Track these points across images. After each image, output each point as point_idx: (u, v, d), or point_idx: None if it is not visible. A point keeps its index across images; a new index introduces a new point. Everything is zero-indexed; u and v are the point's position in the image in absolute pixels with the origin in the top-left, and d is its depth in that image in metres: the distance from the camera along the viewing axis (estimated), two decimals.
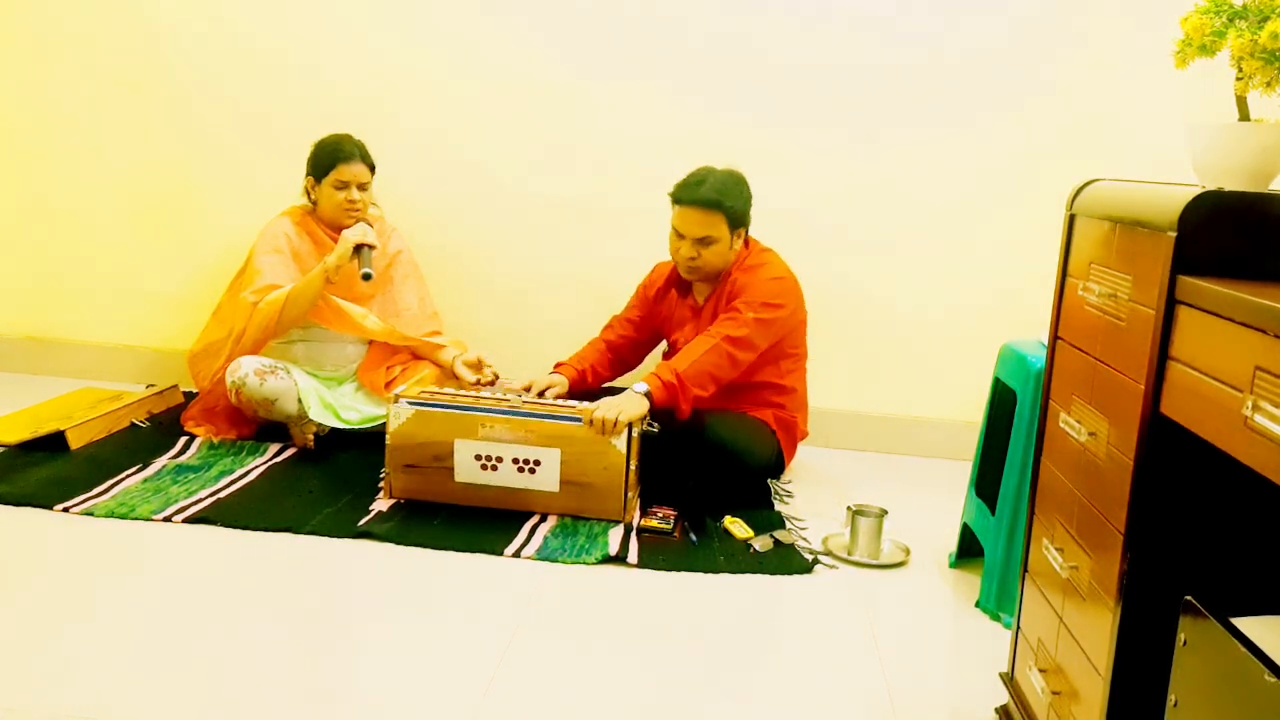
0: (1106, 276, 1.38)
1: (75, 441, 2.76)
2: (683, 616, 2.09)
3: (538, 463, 2.47)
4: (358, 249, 2.80)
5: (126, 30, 3.29)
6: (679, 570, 2.28)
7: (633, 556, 2.32)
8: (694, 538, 2.44)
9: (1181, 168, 1.45)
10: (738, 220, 2.73)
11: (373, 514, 2.45)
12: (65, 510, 2.37)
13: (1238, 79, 1.33)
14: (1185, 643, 1.10)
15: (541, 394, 2.70)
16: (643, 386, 2.54)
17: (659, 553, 2.35)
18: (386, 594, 2.11)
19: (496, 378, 2.87)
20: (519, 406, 2.49)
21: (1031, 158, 3.07)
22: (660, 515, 2.51)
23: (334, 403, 2.90)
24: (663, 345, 3.01)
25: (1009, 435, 2.17)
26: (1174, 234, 1.17)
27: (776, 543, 2.43)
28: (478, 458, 2.48)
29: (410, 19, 3.20)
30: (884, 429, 3.26)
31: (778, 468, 2.86)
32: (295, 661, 1.83)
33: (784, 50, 3.10)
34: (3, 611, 1.92)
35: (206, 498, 2.48)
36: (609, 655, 1.92)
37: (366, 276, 2.76)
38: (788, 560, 2.36)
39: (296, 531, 2.34)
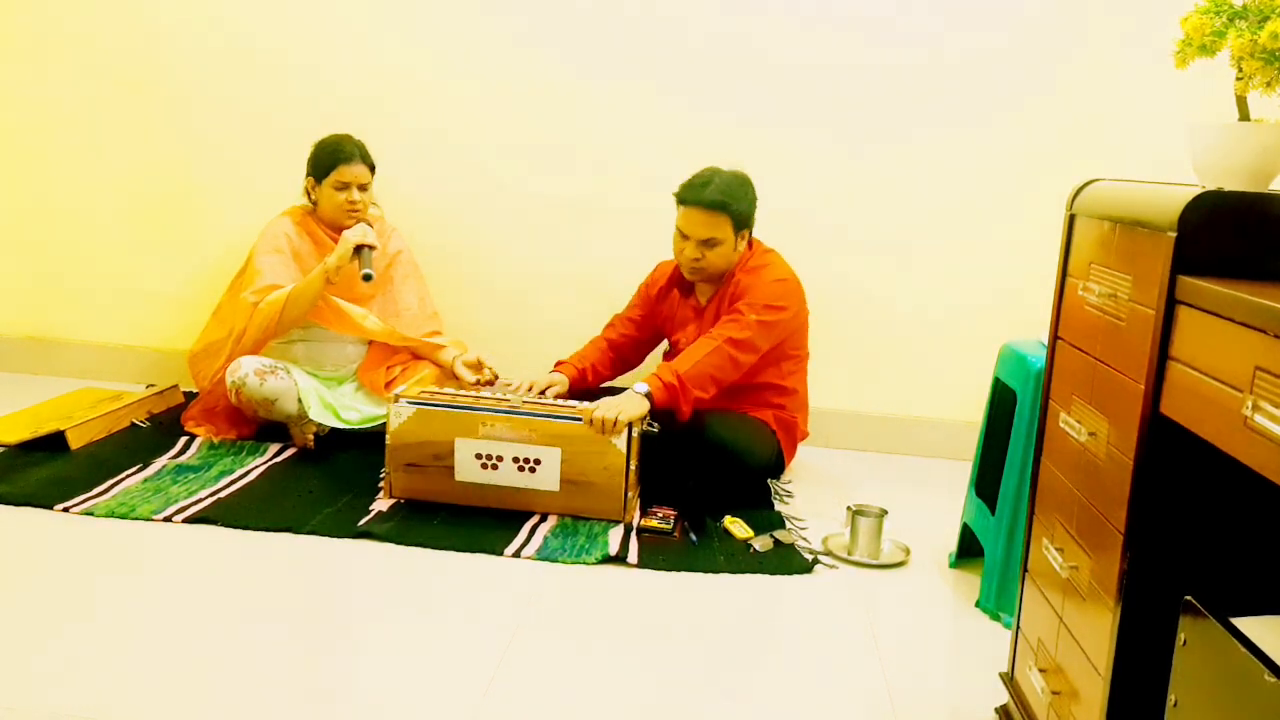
0: (1106, 276, 1.38)
1: (75, 441, 2.76)
2: (683, 616, 2.09)
3: (538, 462, 2.47)
4: (358, 250, 2.80)
5: (126, 30, 3.29)
6: (679, 570, 2.28)
7: (633, 556, 2.32)
8: (694, 538, 2.44)
9: (1181, 168, 1.45)
10: (742, 222, 2.73)
11: (373, 514, 2.45)
12: (65, 510, 2.37)
13: (1238, 79, 1.33)
14: (1185, 643, 1.10)
15: (542, 393, 2.70)
16: (643, 387, 2.54)
17: (659, 553, 2.35)
18: (386, 594, 2.11)
19: (496, 377, 2.87)
20: (519, 406, 2.50)
21: (1031, 158, 3.07)
22: (660, 515, 2.51)
23: (334, 403, 2.90)
24: (664, 344, 3.01)
25: (1009, 435, 2.17)
26: (1174, 234, 1.17)
27: (776, 543, 2.43)
28: (478, 457, 2.48)
29: (410, 19, 3.20)
30: (884, 429, 3.26)
31: (778, 468, 2.86)
32: (295, 661, 1.83)
33: (784, 50, 3.10)
34: (3, 611, 1.92)
35: (206, 498, 2.48)
36: (609, 655, 1.92)
37: (367, 277, 2.76)
38: (788, 560, 2.36)
39: (296, 531, 2.34)
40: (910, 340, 3.21)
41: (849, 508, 2.43)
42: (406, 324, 3.00)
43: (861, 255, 3.18)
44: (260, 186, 3.27)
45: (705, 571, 2.28)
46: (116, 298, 3.45)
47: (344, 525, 2.37)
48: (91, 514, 2.36)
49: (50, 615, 1.92)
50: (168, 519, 2.36)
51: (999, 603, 2.14)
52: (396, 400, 2.50)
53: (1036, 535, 1.62)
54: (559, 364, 2.89)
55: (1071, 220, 1.54)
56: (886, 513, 2.43)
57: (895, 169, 3.13)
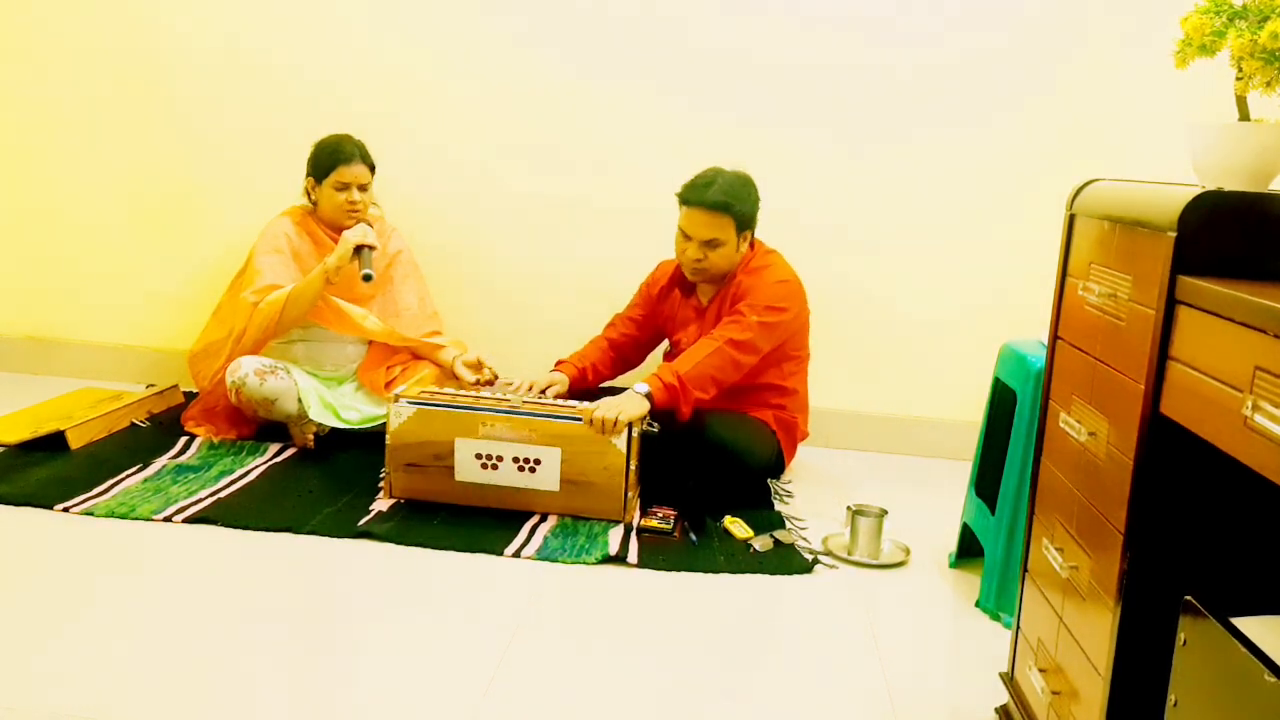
0: (1106, 276, 1.38)
1: (75, 441, 2.76)
2: (683, 616, 2.09)
3: (538, 462, 2.47)
4: (358, 250, 2.80)
5: (126, 31, 3.29)
6: (679, 570, 2.28)
7: (633, 556, 2.32)
8: (694, 538, 2.44)
9: (1181, 168, 1.45)
10: (745, 223, 2.73)
11: (373, 514, 2.45)
12: (65, 510, 2.37)
13: (1238, 79, 1.33)
14: (1185, 643, 1.10)
15: (542, 392, 2.70)
16: (644, 387, 2.54)
17: (659, 553, 2.35)
18: (386, 594, 2.11)
19: (496, 377, 2.87)
20: (519, 406, 2.50)
21: (1032, 158, 3.07)
22: (660, 515, 2.51)
23: (334, 402, 2.90)
24: (664, 344, 3.01)
25: (1009, 435, 2.17)
26: (1174, 234, 1.17)
27: (776, 543, 2.43)
28: (478, 456, 2.48)
29: (410, 19, 3.20)
30: (884, 429, 3.26)
31: (778, 468, 2.86)
32: (295, 661, 1.83)
33: (784, 50, 3.09)
34: (3, 611, 1.92)
35: (207, 498, 2.48)
36: (609, 655, 1.92)
37: (367, 278, 2.76)
38: (788, 560, 2.36)
39: (296, 531, 2.34)
40: (910, 340, 3.21)
41: (849, 508, 2.43)
42: (406, 324, 3.00)
43: (861, 255, 3.18)
44: (260, 186, 3.27)
45: (705, 571, 2.28)
46: (116, 298, 3.45)
47: (344, 525, 2.37)
48: (91, 514, 2.36)
49: (50, 615, 1.92)
50: (168, 519, 2.36)
51: (999, 603, 2.14)
52: (396, 400, 2.51)
53: (1036, 535, 1.62)
54: (559, 363, 2.89)
55: (1071, 220, 1.54)
56: (886, 513, 2.43)
57: (895, 169, 3.13)
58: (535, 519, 2.48)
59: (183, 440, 2.86)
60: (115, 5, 3.28)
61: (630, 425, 2.44)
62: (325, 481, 2.64)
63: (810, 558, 2.37)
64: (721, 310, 2.77)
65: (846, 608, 2.17)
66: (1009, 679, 1.70)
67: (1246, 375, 0.99)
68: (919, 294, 3.19)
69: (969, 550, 2.38)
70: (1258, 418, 0.95)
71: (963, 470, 2.63)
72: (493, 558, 2.29)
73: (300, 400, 2.80)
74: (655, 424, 2.56)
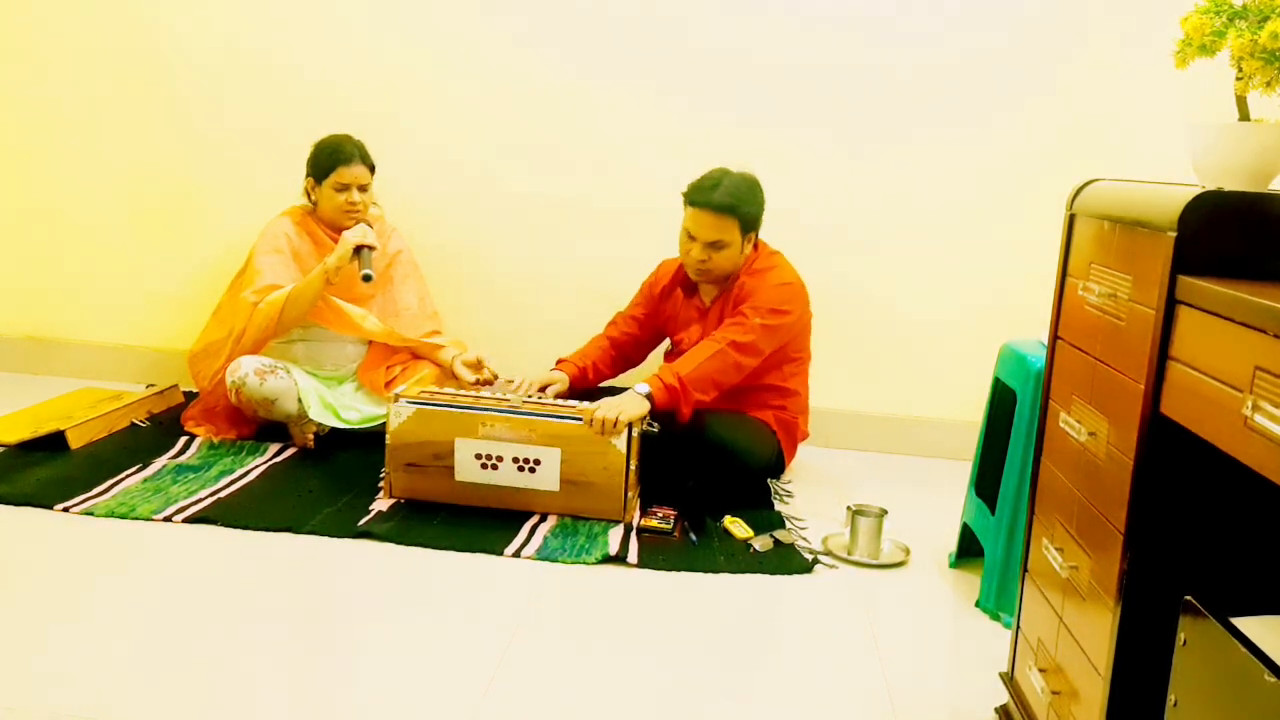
0: (1106, 276, 1.38)
1: (75, 441, 2.76)
2: (683, 616, 2.09)
3: (538, 462, 2.47)
4: (358, 250, 2.80)
5: (126, 31, 3.29)
6: (679, 570, 2.28)
7: (633, 556, 2.32)
8: (694, 538, 2.44)
9: (1181, 168, 1.45)
10: (750, 225, 2.72)
11: (373, 514, 2.45)
12: (65, 510, 2.37)
13: (1238, 79, 1.33)
14: (1185, 643, 1.10)
15: (542, 390, 2.70)
16: (644, 388, 2.54)
17: (659, 553, 2.35)
18: (386, 594, 2.11)
19: (496, 377, 2.87)
20: (519, 405, 2.50)
21: (1032, 158, 3.07)
22: (660, 515, 2.51)
23: (334, 402, 2.90)
24: (665, 343, 3.01)
25: (1009, 435, 2.17)
26: (1174, 234, 1.17)
27: (776, 542, 2.43)
28: (478, 457, 2.48)
29: (410, 19, 3.20)
30: (884, 429, 3.26)
31: (778, 468, 2.86)
32: (295, 661, 1.83)
33: (784, 50, 3.09)
34: (3, 611, 1.92)
35: (206, 497, 2.48)
36: (609, 655, 1.92)
37: (367, 278, 2.76)
38: (788, 560, 2.36)
39: (296, 531, 2.34)
40: (910, 340, 3.21)
41: (849, 508, 2.43)
42: (406, 324, 3.00)
43: (861, 255, 3.18)
44: (260, 186, 3.27)
45: (705, 571, 2.28)
46: (116, 298, 3.45)
47: (344, 525, 2.37)
48: (91, 514, 2.36)
49: (50, 615, 1.92)
50: (168, 519, 2.36)
51: (999, 603, 2.14)
52: (396, 400, 2.51)
53: (1036, 535, 1.62)
54: (560, 362, 2.89)
55: (1071, 220, 1.54)
56: (886, 513, 2.43)
57: (895, 169, 3.13)
58: (535, 519, 2.48)
59: (183, 440, 2.86)
60: (115, 5, 3.28)
61: (630, 425, 2.44)
62: (325, 481, 2.64)
63: (810, 558, 2.37)
64: (724, 311, 2.77)
65: (846, 608, 2.17)
66: (1009, 679, 1.70)
67: (1246, 375, 0.99)
68: (919, 294, 3.19)
69: (969, 550, 2.38)
70: (1258, 418, 0.95)
71: (963, 470, 2.63)
72: (493, 558, 2.29)
73: (300, 400, 2.80)
74: (655, 424, 2.56)
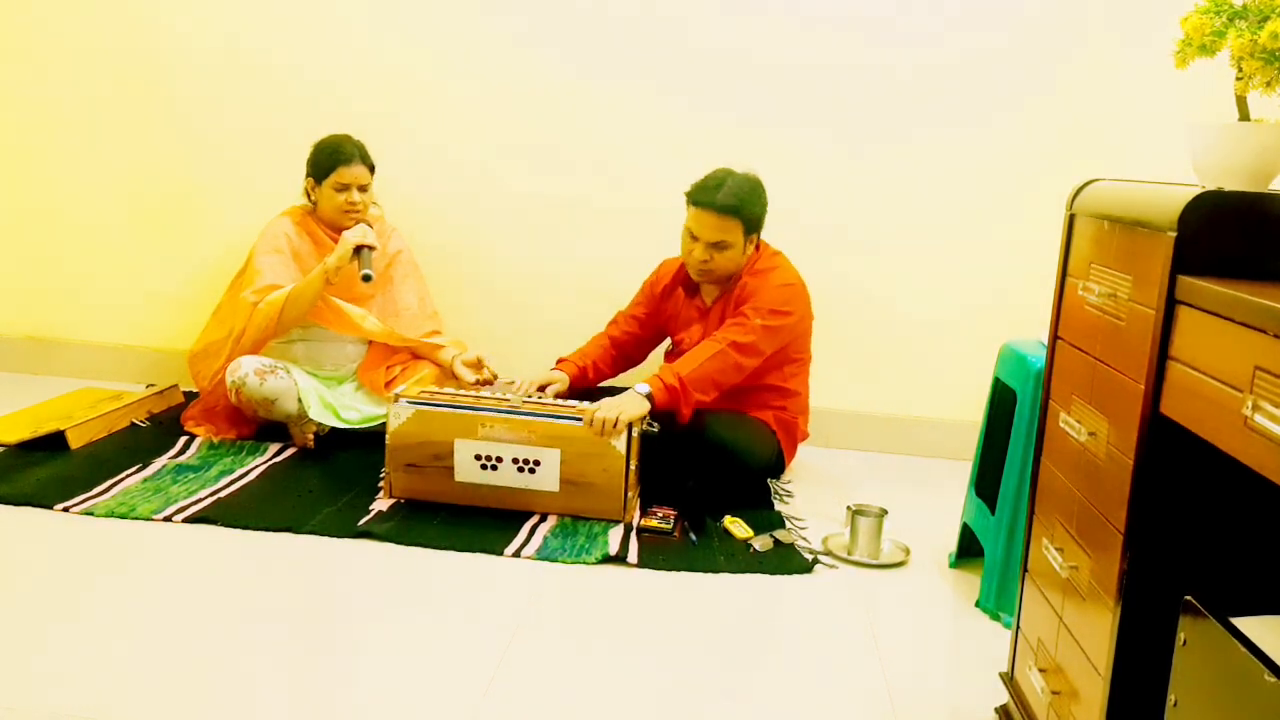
0: (1106, 276, 1.38)
1: (75, 441, 2.76)
2: (683, 616, 2.09)
3: (537, 463, 2.47)
4: (357, 250, 2.80)
5: (126, 31, 3.29)
6: (679, 570, 2.28)
7: (633, 556, 2.32)
8: (694, 538, 2.44)
9: (1181, 168, 1.45)
10: (753, 226, 2.72)
11: (373, 514, 2.45)
12: (65, 510, 2.37)
13: (1238, 79, 1.33)
14: (1185, 643, 1.10)
15: (541, 390, 2.70)
16: (644, 387, 2.54)
17: (659, 552, 2.35)
18: (386, 594, 2.11)
19: (496, 376, 2.87)
20: (519, 406, 2.49)
21: (1032, 158, 3.07)
22: (660, 515, 2.51)
23: (334, 402, 2.90)
24: (666, 342, 3.01)
25: (1009, 435, 2.17)
26: (1174, 234, 1.17)
27: (776, 542, 2.43)
28: (477, 457, 2.48)
29: (410, 19, 3.20)
30: (884, 429, 3.26)
31: (778, 468, 2.86)
32: (295, 661, 1.83)
33: (784, 50, 3.09)
34: (3, 611, 1.92)
35: (206, 497, 2.48)
36: (609, 655, 1.92)
37: (366, 278, 2.76)
38: (788, 560, 2.36)
39: (296, 531, 2.34)
40: (910, 340, 3.21)
41: (849, 508, 2.43)
42: (406, 324, 3.00)
43: (861, 255, 3.18)
44: (260, 186, 3.27)
45: (705, 571, 2.28)
46: (116, 298, 3.45)
47: (344, 525, 2.37)
48: (91, 514, 2.36)
49: (50, 615, 1.92)
50: (168, 519, 2.36)
51: (999, 603, 2.14)
52: (396, 400, 2.50)
53: (1036, 535, 1.62)
54: (560, 361, 2.89)
55: (1071, 220, 1.54)
56: (886, 513, 2.43)
57: (895, 169, 3.13)
58: (535, 519, 2.48)
59: (183, 440, 2.86)
60: (115, 5, 3.28)
61: (630, 425, 2.44)
62: (325, 481, 2.64)
63: (810, 557, 2.37)
64: (725, 312, 2.76)
65: (846, 608, 2.17)
66: (1009, 679, 1.70)
67: (1246, 375, 0.99)
68: (919, 294, 3.19)
69: (969, 550, 2.38)
70: (1258, 418, 0.95)
71: (963, 470, 2.63)
72: (493, 558, 2.29)
73: (300, 400, 2.80)
74: (655, 424, 2.56)
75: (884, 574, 2.35)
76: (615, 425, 2.42)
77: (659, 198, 2.99)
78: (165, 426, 2.98)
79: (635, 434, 2.47)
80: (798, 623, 2.12)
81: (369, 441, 2.81)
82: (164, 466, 2.67)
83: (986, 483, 2.28)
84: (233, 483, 2.59)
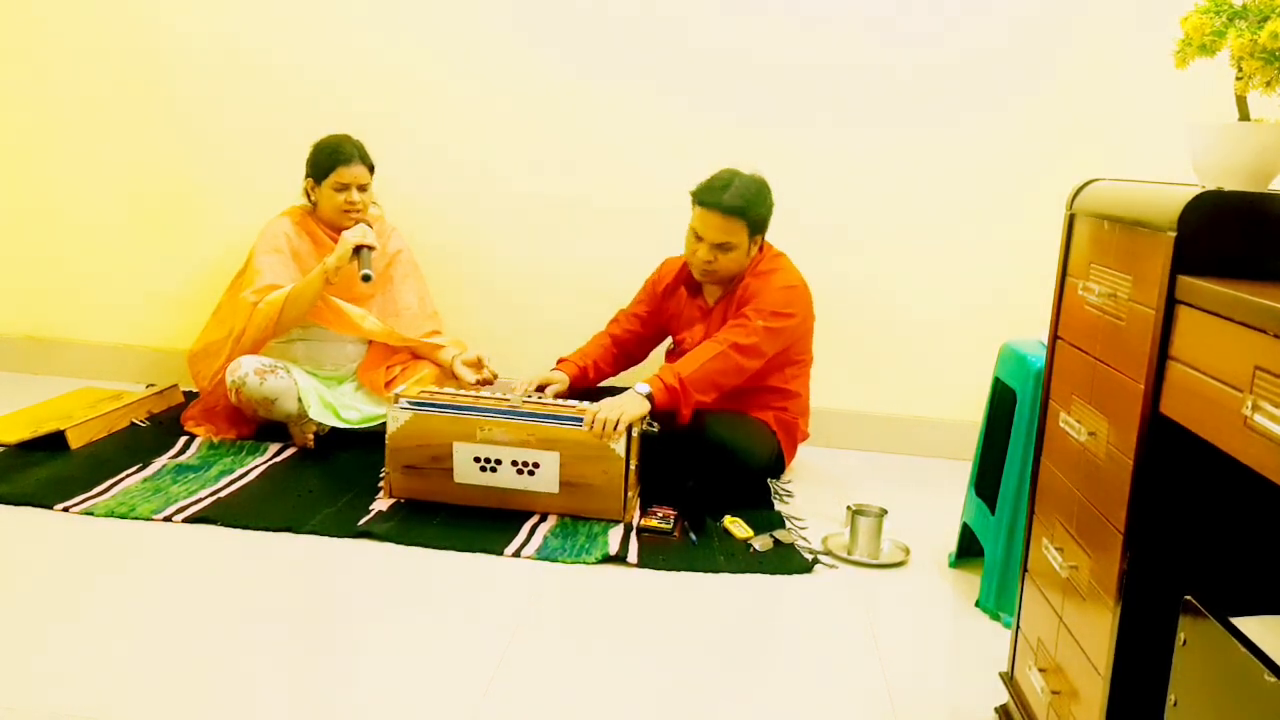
0: (1106, 276, 1.38)
1: (75, 441, 2.76)
2: (683, 616, 2.09)
3: (537, 465, 2.47)
4: (357, 250, 2.80)
5: (126, 31, 3.29)
6: (679, 570, 2.28)
7: (633, 556, 2.32)
8: (694, 537, 2.44)
9: (1181, 168, 1.45)
10: (758, 228, 2.72)
11: (373, 514, 2.45)
12: (65, 510, 2.37)
13: (1238, 79, 1.33)
14: (1185, 643, 1.10)
15: (541, 389, 2.70)
16: (645, 388, 2.54)
17: (659, 552, 2.35)
18: (386, 594, 2.11)
19: (496, 377, 2.87)
20: (519, 406, 2.49)
21: (1031, 157, 3.07)
22: (660, 515, 2.51)
23: (334, 402, 2.90)
24: (666, 342, 3.01)
25: (1009, 435, 2.17)
26: (1174, 234, 1.17)
27: (776, 542, 2.43)
28: (476, 460, 2.48)
29: (410, 19, 3.20)
30: (884, 429, 3.26)
31: (778, 468, 2.86)
32: (295, 661, 1.83)
33: (784, 50, 3.09)
34: (3, 611, 1.92)
35: (207, 497, 2.48)
36: (609, 655, 1.92)
37: (366, 278, 2.76)
38: (788, 560, 2.36)
39: (296, 531, 2.34)
40: (910, 340, 3.21)
41: (849, 507, 2.43)
42: (406, 323, 3.00)
43: (861, 255, 3.18)
44: (260, 186, 3.27)
45: (705, 571, 2.28)
46: (116, 298, 3.45)
47: (344, 525, 2.37)
48: (91, 514, 2.36)
49: (51, 615, 1.92)
50: (168, 519, 2.36)
51: (999, 602, 2.14)
52: (396, 401, 2.50)
53: (1036, 535, 1.62)
54: (560, 361, 2.89)
55: (1071, 220, 1.54)
56: (886, 512, 2.43)
57: (895, 169, 3.13)
58: (535, 519, 2.48)
59: (183, 440, 2.86)
60: (115, 5, 3.28)
61: (630, 425, 2.44)
62: (325, 481, 2.64)
63: (810, 557, 2.37)
64: (728, 312, 2.76)
65: (846, 608, 2.17)
66: (1009, 679, 1.70)
67: (1246, 375, 0.99)
68: (919, 294, 3.19)
69: (969, 550, 2.38)
70: (1258, 418, 0.95)
71: (963, 470, 2.63)
72: (493, 557, 2.29)
73: (300, 400, 2.80)
74: (655, 424, 2.56)
75: (884, 574, 2.35)
76: (616, 426, 2.42)
77: (659, 198, 2.99)
78: (165, 426, 2.98)
79: (635, 434, 2.47)
80: (798, 623, 2.12)
81: (369, 441, 2.81)
82: (164, 466, 2.67)
83: (986, 482, 2.28)
84: (233, 483, 2.59)
